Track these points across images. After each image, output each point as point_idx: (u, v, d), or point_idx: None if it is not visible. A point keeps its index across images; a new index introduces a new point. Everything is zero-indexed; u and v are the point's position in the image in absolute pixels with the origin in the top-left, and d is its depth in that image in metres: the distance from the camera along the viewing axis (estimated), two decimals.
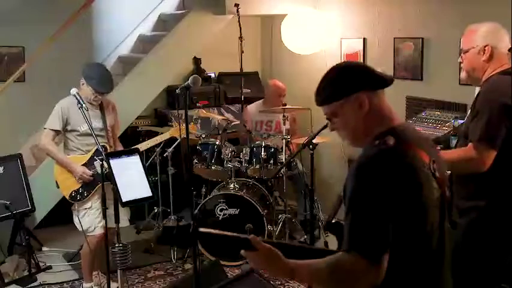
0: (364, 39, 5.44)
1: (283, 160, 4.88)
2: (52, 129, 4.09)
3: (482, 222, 2.53)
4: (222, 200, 4.66)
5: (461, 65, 2.72)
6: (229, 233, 1.75)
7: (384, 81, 1.83)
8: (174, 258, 4.78)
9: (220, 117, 5.48)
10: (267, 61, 6.79)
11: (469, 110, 2.61)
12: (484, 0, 4.42)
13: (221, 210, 4.66)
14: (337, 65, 1.89)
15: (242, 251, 1.73)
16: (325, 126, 3.52)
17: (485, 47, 2.60)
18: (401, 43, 5.05)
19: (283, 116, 5.10)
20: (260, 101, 5.82)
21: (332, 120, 1.89)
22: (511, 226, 2.52)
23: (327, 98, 1.85)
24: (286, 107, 5.13)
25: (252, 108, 5.78)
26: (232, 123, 5.40)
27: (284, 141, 5.00)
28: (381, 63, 5.20)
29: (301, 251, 1.84)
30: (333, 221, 2.12)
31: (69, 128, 4.10)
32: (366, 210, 1.66)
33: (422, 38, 4.85)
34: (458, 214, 2.60)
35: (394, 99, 5.66)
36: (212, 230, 1.76)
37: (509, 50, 2.64)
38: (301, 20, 5.66)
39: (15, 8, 5.57)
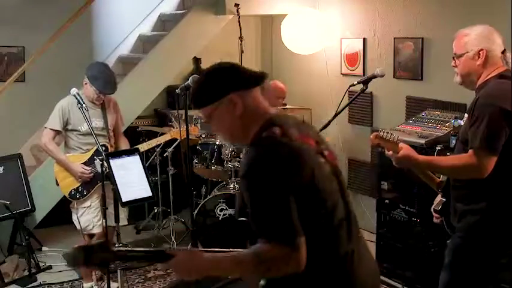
0: (364, 39, 5.44)
1: None
2: (52, 129, 4.10)
3: (480, 225, 2.54)
4: (222, 200, 4.66)
5: (455, 69, 2.70)
6: (143, 249, 1.80)
7: (255, 79, 1.89)
8: None
9: None
10: (267, 61, 6.78)
11: (466, 114, 2.60)
12: (484, 0, 4.42)
13: (221, 210, 4.66)
14: (208, 68, 1.94)
15: (161, 265, 1.79)
16: (325, 126, 3.52)
17: (479, 51, 2.58)
18: (401, 43, 5.05)
19: None
20: None
21: (210, 123, 1.93)
22: (509, 229, 2.52)
23: (201, 102, 1.89)
24: (286, 107, 5.13)
25: None
26: None
27: None
28: (381, 63, 5.20)
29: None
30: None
31: (69, 127, 4.10)
32: (273, 201, 1.72)
33: (422, 38, 4.85)
34: (457, 217, 2.61)
35: (394, 99, 5.73)
36: (125, 248, 1.79)
37: (502, 52, 2.62)
38: (301, 20, 5.66)
39: (15, 8, 5.57)
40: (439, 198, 2.77)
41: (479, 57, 2.58)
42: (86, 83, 4.05)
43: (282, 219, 1.72)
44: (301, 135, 1.85)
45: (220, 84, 1.86)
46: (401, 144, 2.64)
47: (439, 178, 2.77)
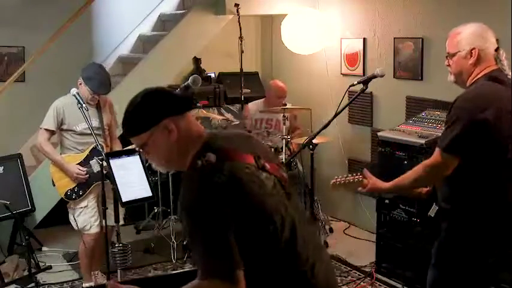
0: (364, 39, 5.44)
1: (283, 160, 4.88)
2: (47, 129, 4.10)
3: (465, 225, 2.56)
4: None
5: (448, 68, 2.71)
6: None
7: (187, 103, 1.89)
8: (174, 258, 4.78)
9: (220, 117, 5.48)
10: (267, 61, 6.79)
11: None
12: (484, 0, 4.42)
13: None
14: (138, 94, 1.87)
15: None
16: (325, 126, 3.52)
17: (472, 50, 2.57)
18: (401, 43, 5.05)
19: (283, 116, 5.10)
20: (261, 100, 5.82)
21: (144, 150, 1.88)
22: (495, 229, 2.53)
23: (134, 129, 1.85)
24: (286, 106, 5.13)
25: (252, 106, 5.79)
26: (232, 123, 5.40)
27: (284, 141, 5.00)
28: (381, 63, 5.21)
29: (161, 280, 1.92)
30: None
31: (64, 127, 4.10)
32: (209, 236, 1.70)
33: (422, 38, 4.86)
34: (443, 217, 2.63)
35: (394, 99, 5.73)
36: None
37: (495, 50, 2.62)
38: (301, 20, 5.66)
39: (15, 8, 5.57)
40: (434, 205, 2.79)
41: (471, 56, 2.58)
42: (80, 84, 4.06)
43: (218, 254, 1.69)
44: (239, 154, 1.81)
45: (153, 111, 1.82)
46: (366, 176, 2.71)
47: (426, 188, 2.79)
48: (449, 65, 2.68)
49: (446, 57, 2.68)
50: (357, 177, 2.71)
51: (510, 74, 2.62)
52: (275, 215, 1.78)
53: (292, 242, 1.81)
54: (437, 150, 2.52)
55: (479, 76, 2.59)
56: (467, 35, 2.60)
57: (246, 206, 1.73)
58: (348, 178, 2.70)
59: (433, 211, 2.71)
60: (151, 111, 1.82)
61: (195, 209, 1.72)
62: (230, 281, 1.68)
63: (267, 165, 1.86)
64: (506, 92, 2.56)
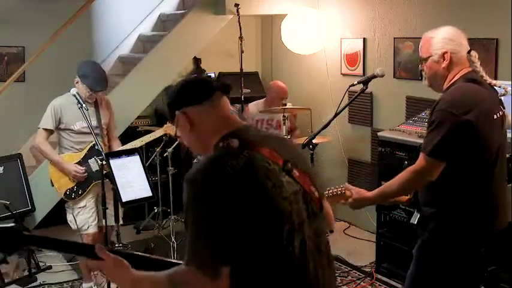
0: (364, 39, 5.44)
1: None
2: (45, 129, 4.10)
3: (446, 226, 2.57)
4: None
5: (422, 72, 2.72)
6: (71, 242, 1.77)
7: (207, 92, 1.87)
8: (174, 258, 4.78)
9: None
10: (267, 61, 6.79)
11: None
12: (483, 0, 4.42)
13: None
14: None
15: (90, 262, 1.74)
16: (325, 126, 3.52)
17: (444, 54, 2.58)
18: (401, 43, 5.05)
19: (283, 116, 5.10)
20: (261, 101, 5.82)
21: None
22: (474, 229, 2.55)
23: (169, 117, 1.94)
24: (286, 107, 5.13)
25: (252, 107, 5.78)
26: None
27: None
28: (381, 63, 5.21)
29: (155, 263, 1.83)
30: None
31: (62, 126, 4.11)
32: (201, 222, 1.62)
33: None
34: (425, 220, 2.64)
35: (394, 99, 5.73)
36: (42, 236, 1.74)
37: (468, 52, 2.62)
38: (301, 20, 5.66)
39: (15, 8, 5.57)
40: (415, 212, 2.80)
41: (444, 59, 2.59)
42: (77, 82, 4.06)
43: (205, 244, 1.60)
44: (265, 149, 1.74)
45: (171, 103, 1.89)
46: (348, 188, 2.71)
47: (407, 196, 2.79)
48: (422, 70, 2.69)
49: (420, 62, 2.70)
50: (340, 189, 2.70)
51: (484, 74, 2.62)
52: (285, 222, 1.66)
53: (296, 261, 1.68)
54: (421, 155, 2.52)
55: (455, 79, 2.60)
56: (439, 39, 2.61)
57: (251, 201, 1.62)
58: (332, 191, 2.70)
59: (415, 218, 2.72)
60: (170, 104, 1.89)
61: (195, 186, 1.67)
62: (210, 275, 1.59)
63: (296, 172, 1.76)
64: (486, 93, 2.57)
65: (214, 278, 1.60)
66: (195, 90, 1.88)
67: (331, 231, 5.39)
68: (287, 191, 1.70)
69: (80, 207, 4.12)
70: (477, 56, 2.63)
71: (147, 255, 1.90)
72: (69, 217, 4.15)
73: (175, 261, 1.80)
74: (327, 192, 2.69)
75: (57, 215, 4.91)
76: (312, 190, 1.80)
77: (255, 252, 1.63)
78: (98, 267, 1.76)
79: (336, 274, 4.56)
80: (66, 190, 4.10)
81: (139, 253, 1.88)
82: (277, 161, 1.73)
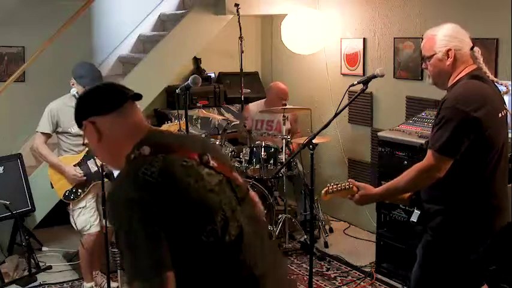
0: (364, 39, 5.44)
1: (283, 160, 4.88)
2: (43, 133, 4.11)
3: (449, 223, 2.57)
4: None
5: (426, 71, 2.71)
6: None
7: (117, 101, 1.79)
8: None
9: (220, 117, 5.48)
10: (267, 61, 6.79)
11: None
12: (483, 0, 4.42)
13: None
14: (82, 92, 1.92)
15: None
16: (325, 126, 3.52)
17: (448, 51, 2.58)
18: (401, 43, 5.05)
19: (283, 116, 5.10)
20: (261, 101, 5.82)
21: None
22: (477, 226, 2.55)
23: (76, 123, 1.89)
24: (286, 107, 5.13)
25: (252, 107, 5.79)
26: (232, 123, 5.40)
27: (284, 141, 5.00)
28: (381, 63, 5.21)
29: None
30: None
31: (60, 129, 4.11)
32: (133, 237, 1.59)
33: (422, 38, 4.83)
34: (428, 217, 2.64)
35: (394, 99, 5.72)
36: None
37: (471, 49, 2.62)
38: (301, 20, 5.66)
39: (15, 8, 5.57)
40: (415, 210, 2.79)
41: (448, 57, 2.59)
42: (73, 84, 4.06)
43: (146, 257, 1.57)
44: (177, 148, 1.73)
45: (78, 111, 1.85)
46: (354, 184, 2.70)
47: (408, 193, 2.78)
48: (426, 68, 2.69)
49: (423, 60, 2.69)
50: (346, 184, 2.69)
51: (488, 71, 2.62)
52: (216, 213, 1.67)
53: (236, 249, 1.69)
54: (430, 152, 2.51)
55: (460, 76, 2.59)
56: (442, 36, 2.60)
57: (179, 202, 1.62)
58: (340, 185, 2.69)
59: (415, 216, 2.71)
60: (77, 112, 1.86)
61: (119, 203, 1.63)
62: (155, 283, 1.56)
63: (214, 163, 1.75)
64: (491, 91, 2.57)
65: (162, 286, 1.57)
66: (104, 99, 1.81)
67: (331, 231, 5.42)
68: (210, 183, 1.70)
69: (80, 208, 4.12)
70: (480, 52, 2.63)
71: None
72: (71, 219, 4.15)
73: None
74: (330, 187, 2.68)
75: (58, 215, 4.91)
76: (235, 176, 1.81)
77: (193, 249, 1.64)
78: None
79: (336, 274, 4.58)
80: (65, 191, 4.10)
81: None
82: (193, 156, 1.73)
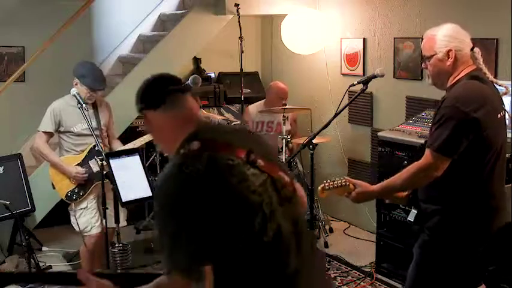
0: (364, 39, 5.44)
1: (283, 160, 4.88)
2: (45, 132, 4.11)
3: (446, 223, 2.57)
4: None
5: (426, 71, 2.71)
6: (53, 273, 1.79)
7: (162, 96, 1.86)
8: None
9: (220, 117, 5.48)
10: (267, 61, 6.79)
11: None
12: (483, 0, 4.42)
13: None
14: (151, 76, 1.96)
15: None
16: (325, 126, 3.52)
17: (448, 51, 2.58)
18: (401, 43, 5.05)
19: (283, 116, 5.10)
20: (261, 102, 5.81)
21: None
22: (474, 227, 2.55)
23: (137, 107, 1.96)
24: (286, 107, 5.12)
25: (252, 108, 5.78)
26: (232, 123, 5.40)
27: (284, 141, 5.00)
28: (381, 63, 5.21)
29: (136, 278, 1.86)
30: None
31: (62, 129, 4.11)
32: (175, 228, 1.64)
33: (422, 38, 4.83)
34: (426, 217, 2.64)
35: (394, 99, 5.72)
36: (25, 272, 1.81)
37: (471, 50, 2.62)
38: (301, 20, 5.66)
39: (15, 8, 5.57)
40: (412, 209, 2.79)
41: (448, 57, 2.59)
42: (76, 84, 4.06)
43: (185, 250, 1.63)
44: (225, 146, 1.75)
45: (137, 106, 1.95)
46: (351, 181, 2.69)
47: (405, 192, 2.78)
48: (426, 68, 2.69)
49: (423, 60, 2.69)
50: (341, 181, 2.68)
51: (487, 72, 2.63)
52: (255, 214, 1.67)
53: (274, 249, 1.69)
54: (428, 151, 2.51)
55: (460, 76, 2.60)
56: (442, 36, 2.60)
57: (220, 200, 1.65)
58: (336, 182, 2.68)
59: (412, 215, 2.71)
60: (137, 105, 1.93)
61: (164, 196, 1.69)
62: (195, 279, 1.62)
63: (260, 162, 1.75)
64: (491, 92, 2.58)
65: (200, 279, 1.62)
66: (150, 95, 1.88)
67: (331, 231, 5.43)
68: (254, 184, 1.70)
69: (81, 209, 4.11)
70: (480, 53, 2.63)
71: (128, 272, 1.91)
72: (72, 219, 4.14)
73: (155, 272, 1.82)
74: (327, 184, 2.68)
75: (58, 215, 4.91)
76: (281, 175, 1.80)
77: (231, 247, 1.65)
78: None
79: (336, 274, 4.57)
80: (68, 192, 4.10)
81: (120, 271, 1.89)
82: (240, 155, 1.73)
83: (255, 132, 1.96)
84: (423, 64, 2.71)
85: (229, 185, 1.67)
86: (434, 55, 2.62)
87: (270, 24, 6.65)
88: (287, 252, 1.72)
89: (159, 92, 1.87)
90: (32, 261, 4.48)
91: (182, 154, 1.75)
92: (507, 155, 2.71)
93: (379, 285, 4.40)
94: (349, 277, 4.54)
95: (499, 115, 2.56)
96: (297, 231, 1.77)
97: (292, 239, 1.75)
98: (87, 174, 4.08)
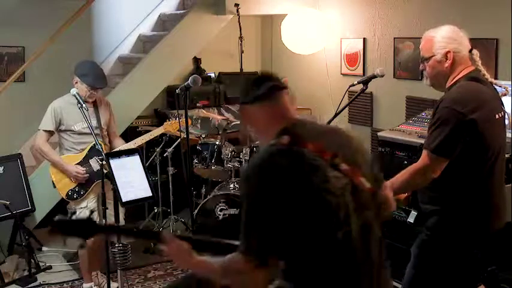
0: (364, 39, 5.44)
1: None
2: (45, 130, 4.11)
3: (445, 224, 2.57)
4: (222, 200, 4.66)
5: (424, 72, 2.71)
6: (140, 230, 1.98)
7: (259, 95, 1.93)
8: None
9: (220, 117, 5.48)
10: (267, 61, 6.78)
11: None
12: (483, 0, 4.42)
13: (221, 210, 4.65)
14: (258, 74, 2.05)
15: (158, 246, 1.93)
16: None
17: (446, 53, 2.58)
18: (401, 43, 5.05)
19: None
20: None
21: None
22: (472, 228, 2.55)
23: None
24: None
25: None
26: (232, 123, 5.40)
27: None
28: (381, 63, 5.21)
29: (213, 245, 2.00)
30: None
31: (62, 127, 4.11)
32: (252, 212, 1.77)
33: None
34: (425, 217, 2.64)
35: (394, 99, 5.71)
36: (117, 225, 1.93)
37: (469, 51, 2.62)
38: (301, 20, 5.66)
39: (15, 8, 5.57)
40: (412, 211, 2.80)
41: (446, 59, 2.59)
42: (76, 82, 4.06)
43: (255, 234, 1.75)
44: (313, 144, 1.82)
45: (240, 99, 2.01)
46: None
47: (404, 194, 2.78)
48: (424, 69, 2.69)
49: (421, 61, 2.69)
50: None
51: (486, 73, 2.63)
52: (330, 215, 1.75)
53: (342, 251, 1.77)
54: (425, 153, 2.52)
55: (458, 77, 2.60)
56: (441, 38, 2.61)
57: (299, 195, 1.74)
58: None
59: (412, 217, 2.72)
60: (240, 98, 2.00)
61: (248, 181, 1.81)
62: (253, 262, 1.74)
63: (344, 166, 1.81)
64: (489, 92, 2.58)
65: (262, 266, 1.74)
66: (250, 91, 1.97)
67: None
68: (334, 186, 1.77)
69: (81, 208, 4.12)
70: (478, 55, 2.63)
71: (206, 238, 2.02)
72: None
73: (231, 242, 1.92)
74: None
75: (58, 215, 4.91)
76: (361, 181, 1.85)
77: (301, 243, 1.75)
78: (164, 251, 1.93)
79: None
80: (68, 191, 4.11)
81: (199, 237, 2.03)
82: (325, 156, 1.81)
83: (350, 134, 2.05)
84: (421, 65, 2.71)
85: (309, 183, 1.75)
86: (432, 56, 2.62)
87: (270, 24, 6.64)
88: (353, 255, 1.78)
89: (259, 88, 1.95)
90: (32, 261, 4.49)
91: (270, 146, 1.85)
92: (507, 155, 2.72)
93: None
94: None
95: (497, 116, 2.56)
96: (368, 238, 1.82)
97: (363, 245, 1.81)
98: (87, 175, 4.08)
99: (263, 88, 1.94)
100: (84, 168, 4.08)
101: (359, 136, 2.08)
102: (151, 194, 3.58)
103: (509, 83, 2.93)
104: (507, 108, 2.71)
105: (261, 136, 1.99)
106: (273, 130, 1.89)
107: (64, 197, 4.14)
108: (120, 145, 4.28)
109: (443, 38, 2.60)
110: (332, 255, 1.76)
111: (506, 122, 2.67)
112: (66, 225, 1.94)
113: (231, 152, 4.89)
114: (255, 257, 1.74)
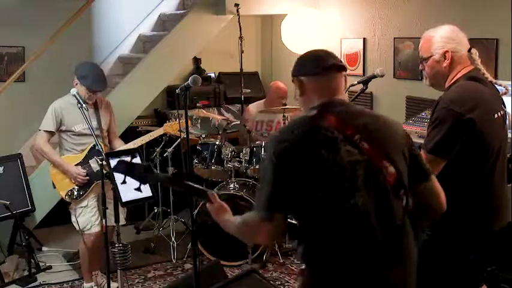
0: (364, 39, 5.44)
1: None
2: (46, 131, 4.11)
3: (448, 222, 2.56)
4: (222, 200, 4.64)
5: (423, 72, 2.71)
6: (191, 184, 2.12)
7: (321, 68, 2.05)
8: (174, 258, 4.78)
9: (220, 117, 5.48)
10: (267, 61, 6.79)
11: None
12: (483, 0, 4.42)
13: None
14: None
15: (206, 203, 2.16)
16: None
17: (445, 53, 2.58)
18: (401, 43, 5.06)
19: (283, 116, 5.09)
20: (261, 101, 5.81)
21: None
22: (477, 226, 2.55)
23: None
24: (286, 107, 5.12)
25: (252, 108, 5.78)
26: (232, 123, 5.40)
27: None
28: (381, 63, 5.21)
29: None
30: None
31: (63, 128, 4.11)
32: (265, 170, 1.96)
33: None
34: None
35: (394, 99, 5.71)
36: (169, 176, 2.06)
37: (468, 51, 2.62)
38: (301, 20, 5.66)
39: (15, 8, 5.57)
40: None
41: (445, 58, 2.59)
42: (76, 84, 4.06)
43: (265, 191, 1.93)
44: (336, 120, 1.93)
45: (294, 67, 2.13)
46: None
47: None
48: (423, 69, 2.69)
49: (420, 61, 2.69)
50: None
51: (486, 73, 2.63)
52: (335, 185, 1.88)
53: (347, 220, 1.88)
54: (422, 153, 2.52)
55: (457, 77, 2.60)
56: (439, 38, 2.61)
57: (307, 164, 1.88)
58: None
59: None
60: (293, 67, 2.13)
61: (270, 145, 1.98)
62: (264, 217, 1.92)
63: (364, 144, 1.91)
64: (488, 92, 2.57)
65: (269, 221, 1.91)
66: (311, 64, 2.08)
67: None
68: (343, 159, 1.89)
69: (81, 207, 4.12)
70: (478, 54, 2.63)
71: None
72: (73, 218, 4.15)
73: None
74: None
75: (58, 215, 4.92)
76: (384, 164, 1.93)
77: (308, 206, 1.90)
78: (209, 207, 2.15)
79: None
80: (68, 191, 4.11)
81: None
82: (346, 131, 1.92)
83: (390, 121, 2.08)
84: (420, 65, 2.71)
85: (317, 152, 1.88)
86: (431, 56, 2.62)
87: (270, 24, 6.65)
88: (358, 226, 1.89)
89: (322, 65, 2.05)
90: (32, 261, 4.49)
91: (299, 117, 2.03)
92: (508, 155, 2.71)
93: None
94: None
95: (496, 115, 2.56)
96: (383, 218, 1.91)
97: (368, 223, 1.89)
98: (88, 177, 4.08)
99: (324, 64, 2.05)
100: (85, 171, 4.08)
101: (401, 127, 2.13)
102: (151, 194, 3.58)
103: (509, 83, 2.92)
104: (507, 108, 2.71)
105: (305, 108, 2.09)
106: (314, 104, 2.02)
107: (64, 197, 4.14)
108: (120, 146, 4.28)
109: (442, 38, 2.60)
110: (336, 222, 1.89)
111: (507, 121, 2.67)
112: (128, 166, 2.19)
113: (231, 152, 4.89)
114: (262, 210, 1.92)
